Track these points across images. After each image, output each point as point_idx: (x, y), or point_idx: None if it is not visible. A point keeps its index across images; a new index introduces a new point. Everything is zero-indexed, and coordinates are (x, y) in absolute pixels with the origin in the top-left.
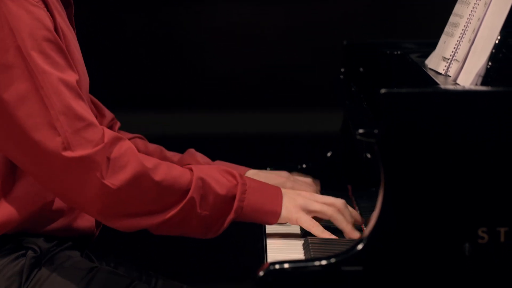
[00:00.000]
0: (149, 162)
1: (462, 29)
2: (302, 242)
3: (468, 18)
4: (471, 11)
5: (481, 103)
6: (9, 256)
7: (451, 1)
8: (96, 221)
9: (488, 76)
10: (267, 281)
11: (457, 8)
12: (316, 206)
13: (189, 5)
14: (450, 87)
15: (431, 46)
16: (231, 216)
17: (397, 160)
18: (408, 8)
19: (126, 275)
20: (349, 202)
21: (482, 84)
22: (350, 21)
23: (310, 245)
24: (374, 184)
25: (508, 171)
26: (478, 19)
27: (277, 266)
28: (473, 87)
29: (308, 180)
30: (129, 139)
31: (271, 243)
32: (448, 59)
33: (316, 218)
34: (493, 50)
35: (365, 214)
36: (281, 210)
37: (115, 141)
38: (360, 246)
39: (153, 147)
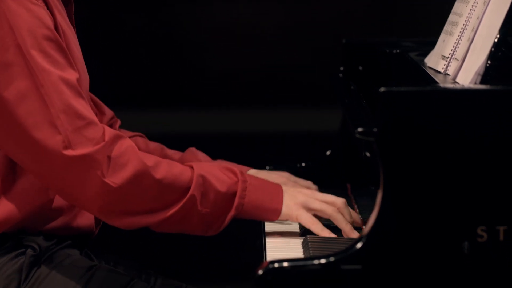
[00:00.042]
0: (150, 160)
1: (461, 28)
2: (301, 240)
3: (467, 16)
4: (470, 9)
5: (480, 102)
6: (9, 255)
7: (450, 0)
8: (96, 220)
9: (487, 74)
10: (266, 280)
11: (456, 6)
12: (316, 205)
13: (189, 3)
14: (449, 85)
15: (430, 44)
16: (231, 213)
17: (396, 159)
18: (407, 7)
19: (125, 273)
20: (348, 200)
21: (481, 82)
22: (350, 20)
23: (309, 243)
24: (373, 183)
25: (507, 169)
26: (477, 18)
27: (276, 265)
28: (472, 86)
29: (309, 183)
30: (130, 137)
31: (270, 242)
32: (447, 57)
33: (316, 217)
34: (492, 49)
35: (364, 213)
36: (282, 207)
37: (116, 139)
38: (359, 245)
39: (153, 145)
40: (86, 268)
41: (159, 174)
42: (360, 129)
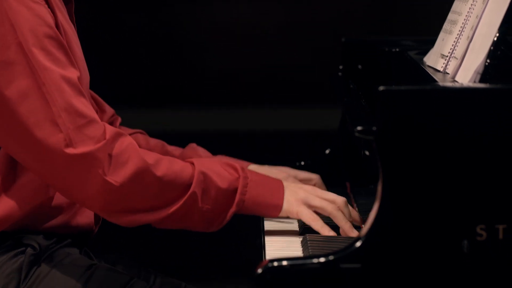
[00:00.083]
0: (151, 157)
1: (461, 27)
2: (301, 239)
3: (466, 15)
4: (470, 8)
5: (480, 100)
6: (8, 253)
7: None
8: (95, 218)
9: (486, 73)
10: (265, 279)
11: (456, 5)
12: (317, 202)
13: (189, 3)
14: (449, 84)
15: (430, 43)
16: (232, 209)
17: (395, 157)
18: (407, 6)
19: (125, 272)
20: (347, 199)
21: (481, 81)
22: (350, 19)
23: (308, 242)
24: (372, 181)
25: (507, 168)
26: (477, 17)
27: (275, 264)
28: (471, 84)
29: (310, 174)
30: (130, 134)
31: (269, 241)
32: (447, 56)
33: (316, 214)
34: (492, 48)
35: (364, 211)
36: (283, 203)
37: (117, 137)
38: (358, 244)
39: (154, 141)
40: (86, 267)
41: (160, 171)
42: (359, 128)
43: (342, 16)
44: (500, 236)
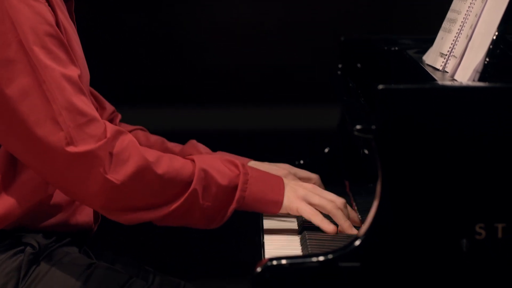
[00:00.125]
0: (151, 155)
1: (460, 25)
2: (300, 238)
3: (465, 14)
4: (469, 7)
5: (479, 99)
6: (8, 252)
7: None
8: (94, 216)
9: (485, 72)
10: (264, 277)
11: (455, 4)
12: (316, 199)
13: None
14: (448, 83)
15: (429, 42)
16: (233, 206)
17: (395, 156)
18: (407, 5)
19: (124, 271)
20: (346, 198)
21: (480, 80)
22: (350, 19)
23: (307, 241)
24: (371, 180)
25: (506, 166)
26: (476, 15)
27: (274, 262)
28: (470, 83)
29: (309, 173)
30: (131, 131)
31: (268, 239)
32: (446, 55)
33: None
34: (491, 46)
35: (363, 210)
36: (283, 199)
37: (117, 135)
38: (357, 242)
39: (154, 138)
40: (85, 266)
41: (160, 169)
42: (358, 127)
43: (342, 15)
44: (500, 235)
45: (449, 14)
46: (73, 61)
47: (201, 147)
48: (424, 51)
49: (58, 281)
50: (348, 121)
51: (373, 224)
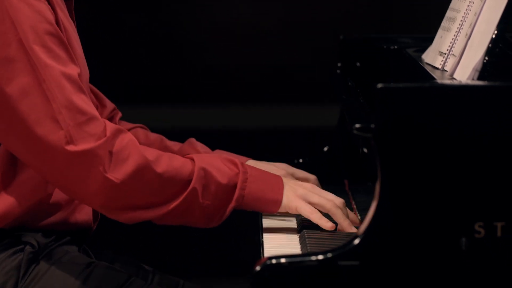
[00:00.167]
0: (151, 154)
1: (459, 24)
2: (299, 237)
3: (465, 12)
4: (468, 5)
5: (478, 98)
6: (7, 251)
7: None
8: (94, 215)
9: (484, 70)
10: (263, 276)
11: (454, 2)
12: (316, 198)
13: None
14: (447, 81)
15: (428, 41)
16: (232, 205)
17: (394, 155)
18: (407, 5)
19: (123, 270)
20: (345, 197)
21: (479, 78)
22: (350, 18)
23: (306, 239)
24: (370, 179)
25: (505, 165)
26: (475, 14)
27: (273, 261)
28: (469, 82)
29: (307, 174)
30: (130, 129)
31: (267, 238)
32: (445, 53)
33: None
34: (490, 45)
35: (362, 209)
36: (282, 198)
37: (117, 134)
38: (356, 241)
39: (153, 136)
40: (85, 265)
41: (160, 168)
42: (357, 125)
43: (342, 15)
44: (499, 233)
45: (448, 13)
46: (73, 59)
47: (200, 145)
48: (423, 50)
49: (58, 280)
50: (348, 120)
51: (372, 223)
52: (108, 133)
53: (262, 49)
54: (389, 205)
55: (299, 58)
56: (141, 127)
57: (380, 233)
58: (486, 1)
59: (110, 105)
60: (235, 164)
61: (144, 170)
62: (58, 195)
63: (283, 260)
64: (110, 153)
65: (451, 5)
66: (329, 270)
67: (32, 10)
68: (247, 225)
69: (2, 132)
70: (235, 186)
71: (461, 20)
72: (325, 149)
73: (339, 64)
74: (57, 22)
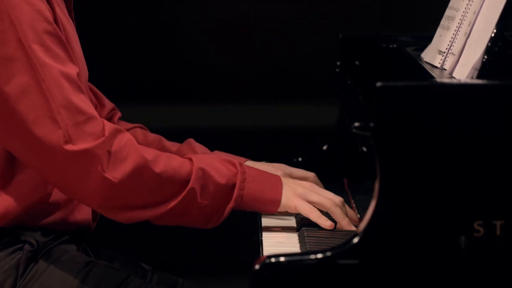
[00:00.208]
0: (149, 154)
1: (458, 23)
2: (298, 235)
3: (464, 11)
4: (467, 4)
5: (477, 97)
6: (6, 250)
7: None
8: (93, 214)
9: (484, 69)
10: (263, 275)
11: (453, 1)
12: (315, 197)
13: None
14: (446, 80)
15: (427, 39)
16: (231, 205)
17: (393, 154)
18: (407, 5)
19: (122, 269)
20: (344, 195)
21: (478, 77)
22: (350, 16)
23: (306, 238)
24: (370, 178)
25: (504, 164)
26: (474, 13)
27: (273, 260)
28: (468, 81)
29: (306, 174)
30: (129, 129)
31: (267, 237)
32: (444, 52)
33: None
34: (489, 44)
35: (361, 208)
36: (281, 197)
37: (116, 133)
38: (356, 240)
39: (152, 136)
40: (84, 264)
41: (158, 168)
42: (357, 124)
43: (342, 13)
44: (498, 232)
45: (448, 12)
46: (71, 58)
47: (198, 146)
48: (422, 48)
49: (57, 279)
50: (347, 119)
51: (371, 222)
52: (106, 133)
53: (262, 49)
54: (388, 204)
55: (300, 57)
56: (140, 127)
57: (379, 232)
58: (485, 0)
59: (109, 104)
60: (234, 165)
61: (142, 170)
62: (57, 195)
63: (282, 259)
64: (109, 152)
65: (451, 3)
66: (328, 268)
67: (32, 9)
68: (246, 224)
69: (0, 132)
70: (233, 186)
71: (460, 19)
72: (324, 147)
73: (338, 63)
74: (56, 21)
